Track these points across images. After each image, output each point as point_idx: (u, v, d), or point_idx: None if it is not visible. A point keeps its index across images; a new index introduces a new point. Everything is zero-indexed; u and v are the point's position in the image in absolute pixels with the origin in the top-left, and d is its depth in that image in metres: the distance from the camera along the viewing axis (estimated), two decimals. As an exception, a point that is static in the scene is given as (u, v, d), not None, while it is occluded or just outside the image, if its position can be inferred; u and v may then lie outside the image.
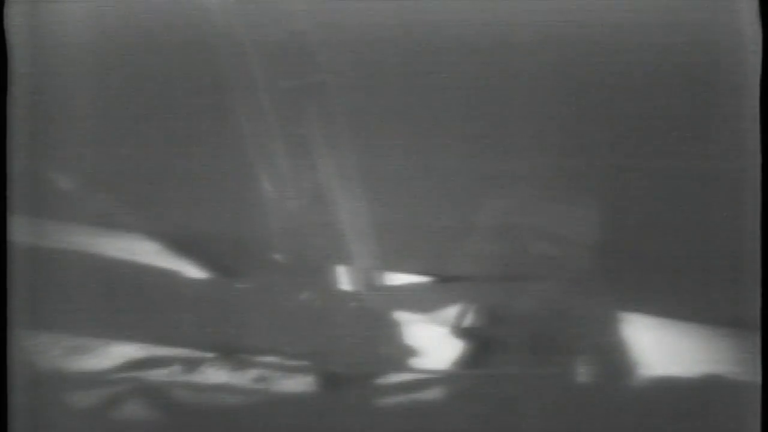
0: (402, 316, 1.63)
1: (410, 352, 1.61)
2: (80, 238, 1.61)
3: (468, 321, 1.61)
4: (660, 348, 1.58)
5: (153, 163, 1.60)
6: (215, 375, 1.60)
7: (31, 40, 1.58)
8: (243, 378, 1.60)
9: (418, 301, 1.63)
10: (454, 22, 1.57)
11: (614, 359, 1.59)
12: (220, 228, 1.60)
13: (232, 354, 1.60)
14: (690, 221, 1.57)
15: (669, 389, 1.57)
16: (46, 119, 1.59)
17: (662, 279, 1.58)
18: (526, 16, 1.56)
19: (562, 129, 1.58)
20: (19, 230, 1.58)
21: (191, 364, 1.60)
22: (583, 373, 1.57)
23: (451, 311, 1.62)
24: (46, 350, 1.59)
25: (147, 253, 1.62)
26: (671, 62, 1.56)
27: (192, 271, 1.63)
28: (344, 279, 1.63)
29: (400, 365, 1.60)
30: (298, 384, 1.59)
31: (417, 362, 1.60)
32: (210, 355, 1.60)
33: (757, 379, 1.53)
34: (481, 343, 1.59)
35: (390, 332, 1.62)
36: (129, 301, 1.60)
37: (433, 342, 1.61)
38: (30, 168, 1.58)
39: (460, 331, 1.61)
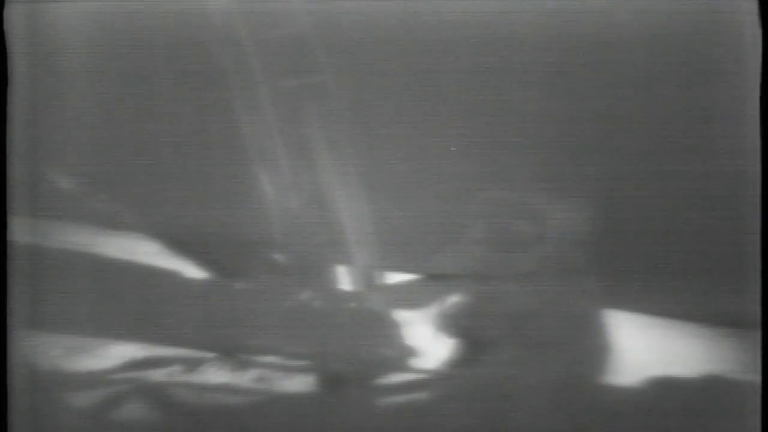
0: (401, 315, 1.63)
1: (409, 351, 1.61)
2: (80, 238, 1.61)
3: (471, 320, 1.61)
4: (659, 348, 1.58)
5: (152, 164, 1.60)
6: (215, 375, 1.60)
7: (30, 40, 1.58)
8: (243, 378, 1.60)
9: (418, 300, 1.63)
10: (454, 21, 1.57)
11: (612, 359, 1.59)
12: (220, 228, 1.60)
13: (232, 354, 1.60)
14: (690, 221, 1.57)
15: (668, 389, 1.56)
16: (46, 120, 1.59)
17: (662, 279, 1.58)
18: (526, 14, 1.56)
19: (559, 128, 1.58)
20: (19, 230, 1.58)
21: (191, 364, 1.60)
22: (581, 373, 1.57)
23: (452, 310, 1.62)
24: (46, 350, 1.59)
25: (147, 253, 1.62)
26: (671, 61, 1.56)
27: (192, 271, 1.63)
28: (344, 279, 1.63)
29: (400, 365, 1.60)
30: (299, 384, 1.59)
31: (416, 362, 1.60)
32: (210, 355, 1.60)
33: (757, 379, 1.53)
34: (488, 343, 1.59)
35: (389, 332, 1.62)
36: (129, 301, 1.60)
37: (434, 341, 1.61)
38: (30, 169, 1.58)
39: (461, 330, 1.61)
